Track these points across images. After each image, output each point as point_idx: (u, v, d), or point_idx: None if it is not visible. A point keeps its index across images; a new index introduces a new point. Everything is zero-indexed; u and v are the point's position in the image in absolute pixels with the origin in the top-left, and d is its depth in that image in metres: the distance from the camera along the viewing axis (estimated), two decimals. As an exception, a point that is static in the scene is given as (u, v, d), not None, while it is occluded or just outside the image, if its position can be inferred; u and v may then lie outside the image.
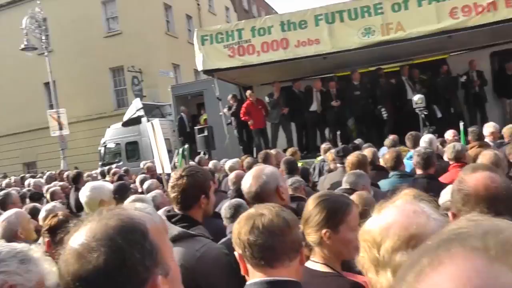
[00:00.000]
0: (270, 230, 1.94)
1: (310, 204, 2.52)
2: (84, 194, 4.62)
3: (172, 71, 28.41)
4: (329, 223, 2.39)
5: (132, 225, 1.20)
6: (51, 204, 5.55)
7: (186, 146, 5.72)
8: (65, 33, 28.21)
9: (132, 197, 4.27)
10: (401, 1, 11.26)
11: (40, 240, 4.34)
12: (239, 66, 12.77)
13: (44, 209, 5.22)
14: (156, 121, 7.91)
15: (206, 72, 13.51)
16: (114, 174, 11.48)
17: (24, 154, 31.53)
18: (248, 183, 3.15)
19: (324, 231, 2.37)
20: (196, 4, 32.99)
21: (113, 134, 19.70)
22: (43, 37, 22.49)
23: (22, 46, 21.45)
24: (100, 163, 19.41)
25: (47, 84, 26.66)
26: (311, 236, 2.42)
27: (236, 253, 2.05)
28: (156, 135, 7.50)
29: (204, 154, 13.39)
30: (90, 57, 27.64)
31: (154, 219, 1.31)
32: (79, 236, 1.18)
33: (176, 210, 3.01)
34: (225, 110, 14.23)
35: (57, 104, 23.49)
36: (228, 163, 8.95)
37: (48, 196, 8.64)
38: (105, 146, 19.82)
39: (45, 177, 14.70)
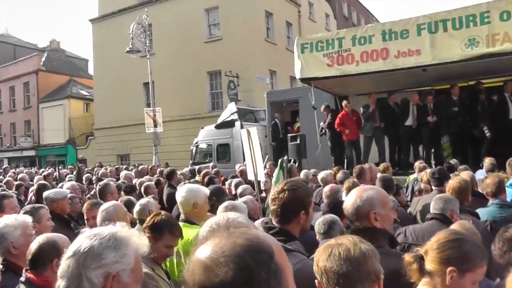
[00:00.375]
0: (346, 259, 1.98)
1: (447, 235, 2.53)
2: (180, 195, 4.75)
3: (269, 77, 28.65)
4: (460, 264, 2.38)
5: (259, 245, 1.24)
6: (146, 199, 5.77)
7: (285, 157, 5.74)
8: (167, 37, 29.51)
9: (225, 203, 4.33)
10: (512, 9, 10.33)
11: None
12: (336, 76, 12.45)
13: (139, 203, 5.44)
14: (253, 128, 7.99)
15: (304, 80, 13.26)
16: (204, 175, 11.55)
17: (119, 147, 33.44)
18: (347, 202, 3.14)
19: (451, 268, 2.36)
20: (297, 12, 32.96)
21: (206, 135, 20.03)
22: (147, 41, 23.74)
23: (127, 49, 22.68)
24: (190, 162, 19.87)
25: (146, 84, 28.07)
26: (432, 265, 2.41)
27: (316, 281, 2.10)
28: (252, 142, 7.59)
29: (295, 162, 13.38)
30: (189, 60, 28.66)
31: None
32: (207, 250, 1.24)
33: (274, 223, 3.03)
34: (322, 123, 14.17)
35: (154, 103, 24.50)
36: (321, 175, 8.87)
37: (142, 189, 8.93)
38: (197, 146, 20.18)
39: (134, 170, 15.29)
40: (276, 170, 6.45)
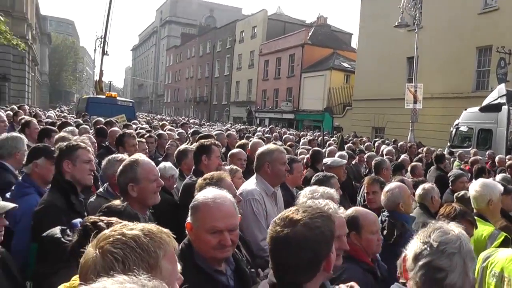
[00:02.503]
0: None
1: None
2: (473, 189, 4.80)
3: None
4: None
5: None
6: (429, 185, 5.79)
7: None
8: (438, 10, 28.24)
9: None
10: None
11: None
12: None
13: (421, 187, 5.62)
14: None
15: None
16: (473, 163, 11.26)
17: (375, 119, 34.04)
18: None
19: None
20: None
21: (468, 117, 19.13)
22: (417, 15, 23.54)
23: (396, 23, 22.85)
24: (448, 144, 19.36)
25: (410, 59, 28.12)
26: None
27: None
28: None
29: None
30: (458, 34, 26.79)
31: None
32: None
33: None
34: None
35: (416, 78, 24.19)
36: None
37: (409, 168, 9.32)
38: (457, 128, 19.47)
39: (391, 146, 15.29)
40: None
